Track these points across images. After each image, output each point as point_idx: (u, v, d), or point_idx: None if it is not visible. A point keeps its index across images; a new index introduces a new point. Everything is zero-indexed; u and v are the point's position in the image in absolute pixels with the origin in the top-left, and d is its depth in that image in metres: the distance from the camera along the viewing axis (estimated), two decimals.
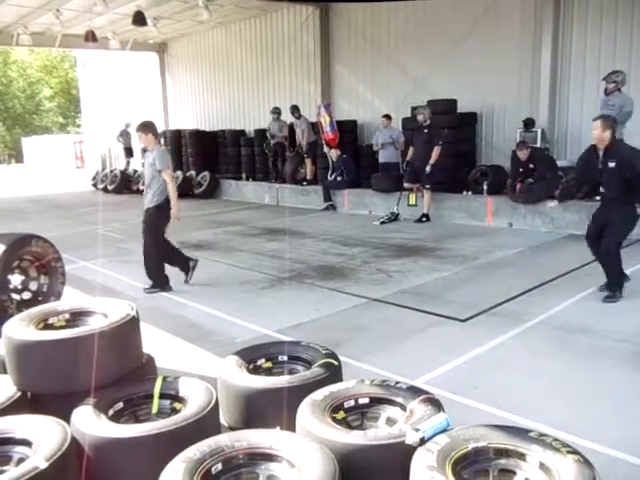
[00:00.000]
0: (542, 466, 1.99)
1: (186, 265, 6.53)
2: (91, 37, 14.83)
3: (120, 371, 2.90)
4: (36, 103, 44.49)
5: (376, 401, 2.59)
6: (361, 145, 13.08)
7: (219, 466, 2.10)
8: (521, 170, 9.25)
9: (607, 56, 9.63)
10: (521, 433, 2.14)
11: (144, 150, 6.31)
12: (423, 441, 2.11)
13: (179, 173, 15.95)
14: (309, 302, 5.74)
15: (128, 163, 18.92)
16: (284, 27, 15.23)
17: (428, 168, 9.81)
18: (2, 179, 27.03)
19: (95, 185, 19.21)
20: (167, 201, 6.09)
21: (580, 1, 9.91)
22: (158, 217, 6.13)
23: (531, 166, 9.16)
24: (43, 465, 2.12)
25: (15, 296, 4.58)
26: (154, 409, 2.78)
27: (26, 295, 4.69)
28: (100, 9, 13.52)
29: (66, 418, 2.50)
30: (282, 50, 15.35)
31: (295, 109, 13.01)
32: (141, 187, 16.88)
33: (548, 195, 9.13)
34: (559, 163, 9.78)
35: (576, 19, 10.01)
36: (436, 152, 9.79)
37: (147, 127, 6.04)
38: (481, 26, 11.04)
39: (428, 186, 10.02)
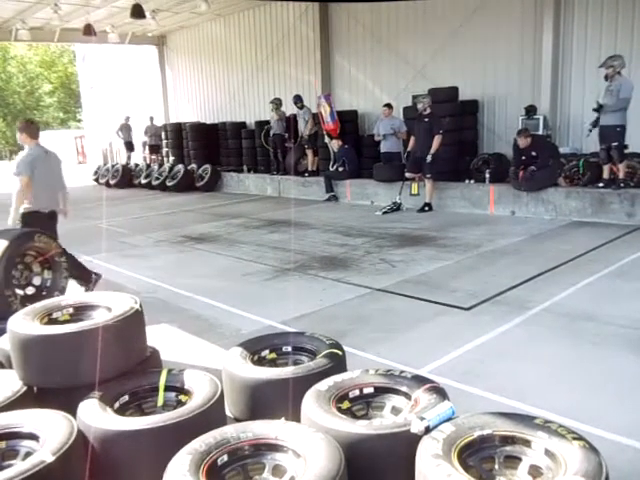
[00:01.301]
0: (548, 452, 1.99)
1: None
2: (90, 31, 14.78)
3: (125, 364, 2.91)
4: (36, 99, 44.37)
5: (381, 390, 2.59)
6: (362, 135, 13.04)
7: (225, 457, 2.10)
8: (523, 158, 9.21)
9: (608, 42, 9.56)
10: (526, 420, 2.14)
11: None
12: (428, 430, 2.11)
13: (181, 167, 15.96)
14: (313, 293, 5.74)
15: (129, 157, 18.92)
16: (283, 18, 15.15)
17: (429, 157, 9.78)
18: (3, 175, 27.03)
19: (97, 180, 19.21)
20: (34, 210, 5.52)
21: None
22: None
23: (533, 154, 9.11)
24: (50, 459, 2.13)
25: (19, 291, 4.59)
26: (160, 401, 2.79)
27: (30, 290, 4.71)
28: (98, 2, 13.49)
29: (72, 412, 2.51)
30: (282, 41, 15.28)
31: (298, 99, 12.95)
32: (143, 181, 16.92)
33: (551, 182, 9.13)
34: (561, 150, 9.75)
35: (577, 6, 9.93)
36: (437, 141, 9.76)
37: (21, 126, 5.60)
38: (481, 14, 10.98)
39: (429, 175, 9.98)
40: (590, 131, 8.43)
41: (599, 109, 8.17)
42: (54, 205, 5.70)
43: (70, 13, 14.95)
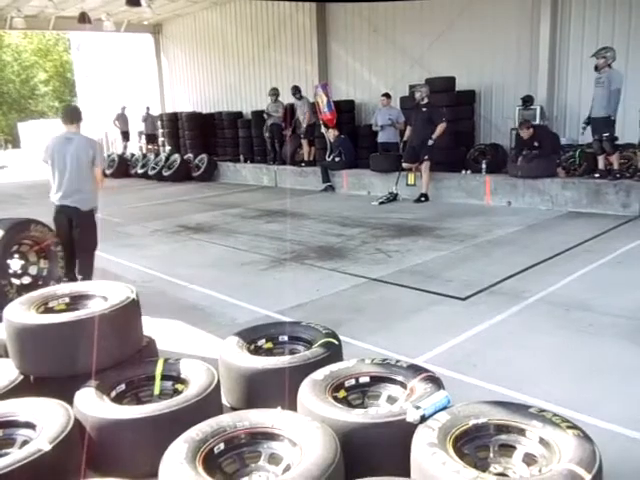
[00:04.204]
0: (542, 441, 2.01)
1: None
2: (85, 19, 14.65)
3: (121, 354, 2.91)
4: (31, 87, 44.03)
5: (377, 380, 2.61)
6: (359, 125, 13.00)
7: (221, 446, 2.12)
8: (526, 149, 9.24)
9: (605, 32, 9.53)
10: (521, 409, 2.15)
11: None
12: (424, 419, 2.13)
13: (177, 156, 15.89)
14: (309, 283, 5.75)
15: (125, 147, 18.84)
16: (280, 6, 15.01)
17: (430, 141, 9.72)
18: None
19: None
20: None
21: None
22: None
23: (536, 144, 9.15)
24: (47, 447, 2.14)
25: (15, 281, 4.58)
26: (156, 390, 2.80)
27: (26, 279, 4.70)
28: None
29: (69, 401, 2.52)
30: (278, 29, 15.18)
31: (296, 90, 12.88)
32: (139, 171, 16.78)
33: (548, 172, 9.13)
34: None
35: None
36: (441, 128, 9.69)
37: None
38: (479, 3, 10.92)
39: (427, 157, 9.88)
40: (584, 129, 8.53)
41: (589, 122, 8.34)
42: (66, 199, 5.09)
43: (65, 1, 14.80)
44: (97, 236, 5.34)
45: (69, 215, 5.13)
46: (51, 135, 5.26)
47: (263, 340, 3.14)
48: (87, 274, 5.32)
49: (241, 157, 15.30)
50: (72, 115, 5.22)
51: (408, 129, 10.38)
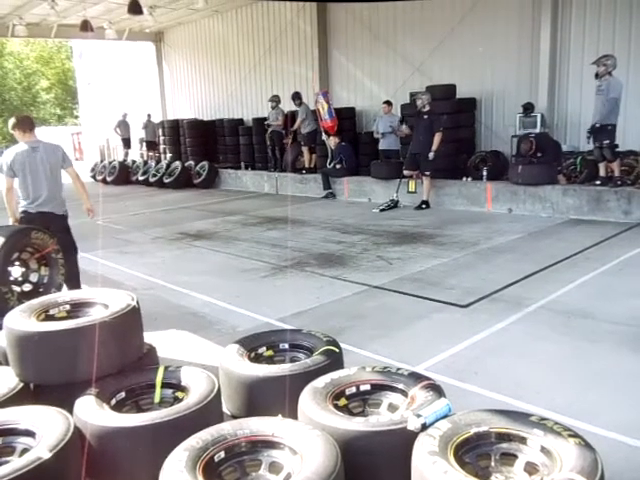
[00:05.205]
0: (543, 450, 2.00)
1: None
2: (87, 27, 14.71)
3: (122, 361, 2.90)
4: (33, 95, 44.16)
5: (377, 388, 2.60)
6: (360, 132, 13.03)
7: (222, 454, 2.11)
8: (529, 156, 9.28)
9: (606, 40, 9.56)
10: (522, 417, 2.14)
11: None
12: (425, 427, 2.12)
13: (178, 163, 15.91)
14: (310, 290, 5.74)
15: (126, 154, 18.89)
16: (281, 14, 15.10)
17: (431, 155, 9.77)
18: None
19: (94, 176, 19.16)
20: None
21: None
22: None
23: (539, 154, 9.16)
24: (47, 455, 2.13)
25: (16, 288, 4.58)
26: (156, 398, 2.79)
27: (27, 287, 4.69)
28: None
29: (69, 408, 2.51)
30: (279, 37, 15.24)
31: (296, 96, 12.91)
32: (140, 178, 16.80)
33: (549, 179, 9.14)
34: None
35: (575, 2, 9.93)
36: (438, 138, 9.74)
37: (11, 124, 5.19)
38: (479, 10, 10.96)
39: (428, 173, 9.98)
40: (588, 138, 8.51)
41: (592, 130, 8.31)
42: (45, 206, 5.17)
43: (67, 9, 14.89)
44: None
45: (45, 222, 5.12)
46: (13, 149, 5.16)
47: (264, 348, 3.13)
48: (76, 280, 5.32)
49: (242, 164, 15.34)
50: (30, 123, 5.29)
51: (405, 127, 10.53)
